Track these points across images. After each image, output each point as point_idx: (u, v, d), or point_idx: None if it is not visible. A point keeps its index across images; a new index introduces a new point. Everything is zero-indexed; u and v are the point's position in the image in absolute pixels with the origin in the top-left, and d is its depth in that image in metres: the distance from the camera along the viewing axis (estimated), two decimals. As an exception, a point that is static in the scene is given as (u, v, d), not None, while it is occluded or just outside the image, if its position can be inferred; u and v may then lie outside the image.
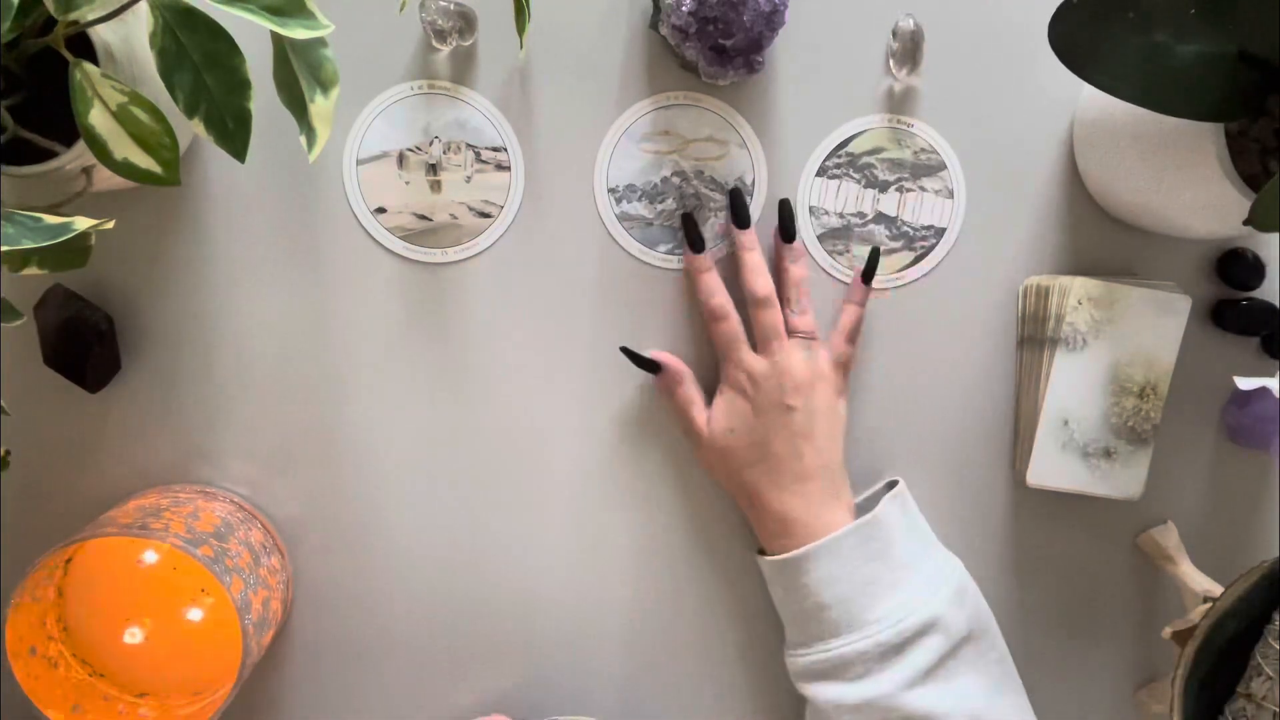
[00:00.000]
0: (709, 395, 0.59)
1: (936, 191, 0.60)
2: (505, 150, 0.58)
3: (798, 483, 0.56)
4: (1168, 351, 0.57)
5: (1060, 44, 0.47)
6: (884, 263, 0.60)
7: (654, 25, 0.56)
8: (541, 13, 0.57)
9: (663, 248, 0.59)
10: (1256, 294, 0.61)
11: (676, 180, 0.59)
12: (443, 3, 0.56)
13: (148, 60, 0.44)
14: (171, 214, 0.58)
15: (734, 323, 0.57)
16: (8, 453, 0.57)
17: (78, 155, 0.46)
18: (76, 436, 0.58)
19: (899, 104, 0.59)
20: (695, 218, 0.58)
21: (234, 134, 0.44)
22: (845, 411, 0.58)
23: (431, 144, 0.58)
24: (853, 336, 0.58)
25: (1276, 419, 0.58)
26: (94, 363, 0.56)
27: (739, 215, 0.58)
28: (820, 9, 0.58)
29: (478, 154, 0.58)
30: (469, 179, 0.58)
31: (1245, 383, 0.54)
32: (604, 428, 0.60)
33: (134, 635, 0.55)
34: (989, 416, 0.61)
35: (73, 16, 0.42)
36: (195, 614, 0.56)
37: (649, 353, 0.58)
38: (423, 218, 0.58)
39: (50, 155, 0.46)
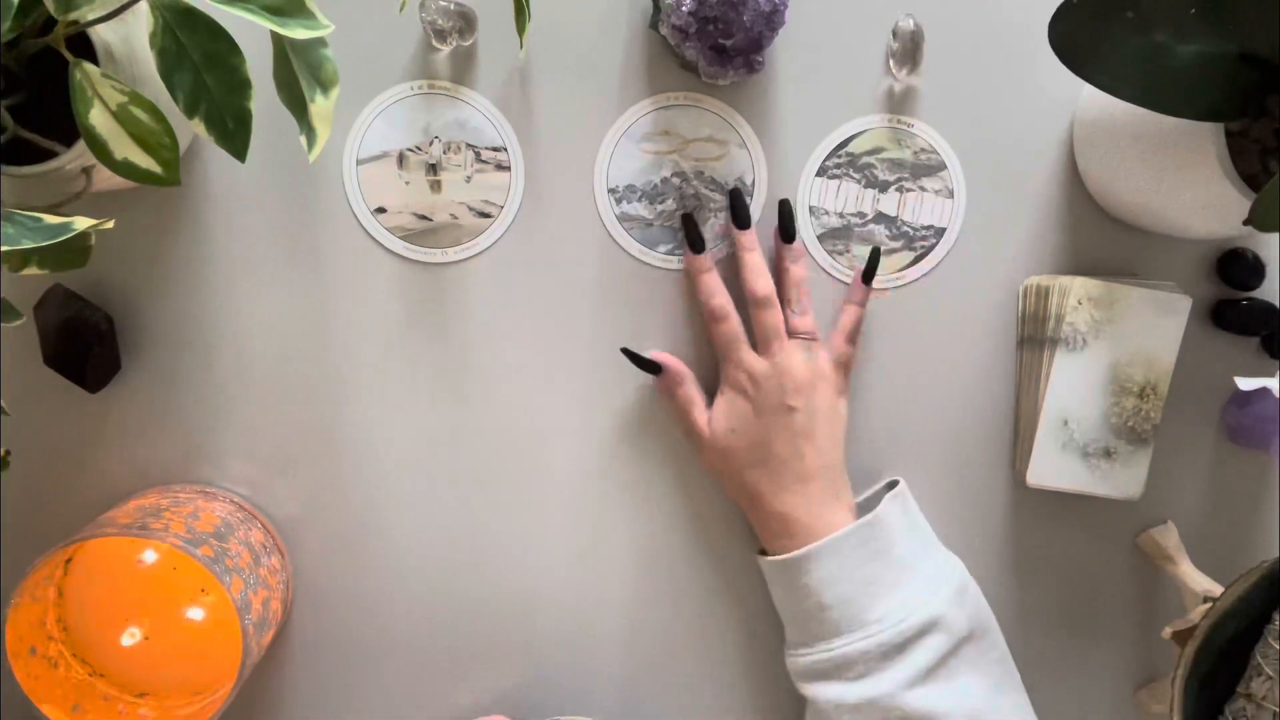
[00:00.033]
0: (710, 396, 0.59)
1: (936, 191, 0.60)
2: (505, 150, 0.58)
3: (799, 483, 0.56)
4: (1168, 351, 0.57)
5: (1060, 44, 0.47)
6: (884, 263, 0.60)
7: (654, 25, 0.56)
8: (541, 13, 0.57)
9: (663, 248, 0.59)
10: (1256, 294, 0.61)
11: (676, 180, 0.59)
12: (443, 3, 0.56)
13: (148, 60, 0.44)
14: (171, 214, 0.58)
15: (734, 323, 0.57)
16: (8, 453, 0.57)
17: (78, 155, 0.46)
18: (76, 436, 0.58)
19: (899, 104, 0.59)
20: (695, 218, 0.58)
21: (234, 134, 0.44)
22: (846, 411, 0.58)
23: (431, 144, 0.58)
24: (853, 336, 0.58)
25: (1276, 419, 0.58)
26: (94, 363, 0.56)
27: (739, 215, 0.58)
28: (820, 9, 0.58)
29: (478, 154, 0.58)
30: (469, 179, 0.58)
31: (1245, 383, 0.54)
32: (604, 428, 0.60)
33: (133, 635, 0.55)
34: (989, 416, 0.61)
35: (73, 16, 0.42)
36: (195, 614, 0.56)
37: (649, 354, 0.58)
38: (423, 218, 0.58)
39: (50, 155, 0.46)
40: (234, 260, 0.58)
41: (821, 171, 0.59)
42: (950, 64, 0.59)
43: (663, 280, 0.60)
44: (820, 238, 0.60)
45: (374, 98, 0.58)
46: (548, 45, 0.58)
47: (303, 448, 0.59)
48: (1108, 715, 0.63)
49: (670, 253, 0.59)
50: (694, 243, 0.58)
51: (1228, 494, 0.62)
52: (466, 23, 0.57)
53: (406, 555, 0.60)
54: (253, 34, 0.42)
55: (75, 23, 0.42)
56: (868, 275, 0.58)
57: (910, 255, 0.60)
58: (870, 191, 0.60)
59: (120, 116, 0.43)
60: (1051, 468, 0.57)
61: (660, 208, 0.59)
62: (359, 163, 0.58)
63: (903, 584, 0.54)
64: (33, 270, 0.45)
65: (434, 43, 0.57)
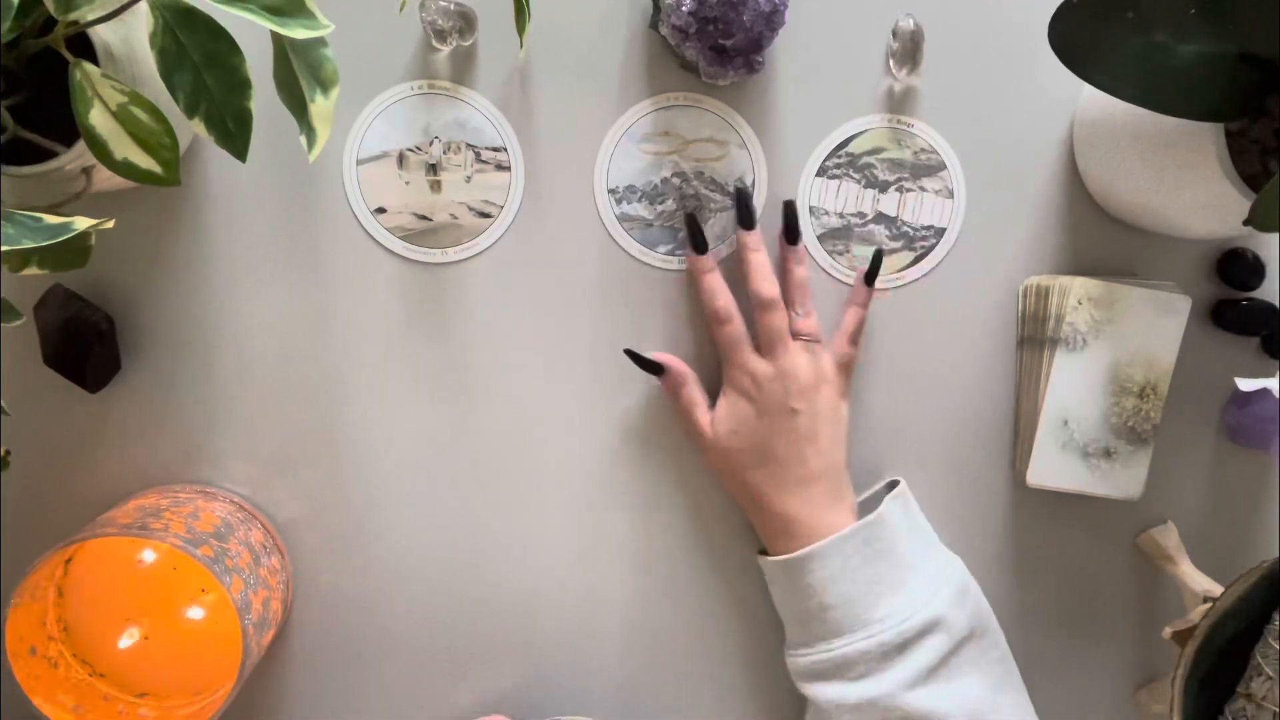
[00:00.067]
0: (711, 397, 0.59)
1: (936, 191, 0.60)
2: (505, 150, 0.58)
3: (801, 486, 0.56)
4: (1168, 351, 0.57)
5: (1060, 44, 0.47)
6: (884, 263, 0.60)
7: (654, 25, 0.56)
8: (541, 13, 0.57)
9: (662, 248, 0.59)
10: (1256, 294, 0.61)
11: (676, 181, 0.59)
12: (443, 3, 0.56)
13: (148, 60, 0.44)
14: (171, 214, 0.58)
15: (738, 325, 0.57)
16: (8, 453, 0.57)
17: (78, 155, 0.46)
18: (76, 436, 0.58)
19: (899, 104, 0.59)
20: (696, 218, 0.58)
21: (234, 134, 0.44)
22: (848, 413, 0.58)
23: (431, 144, 0.58)
24: (855, 338, 0.58)
25: (1276, 419, 0.58)
26: (94, 363, 0.56)
27: (745, 215, 0.57)
28: (820, 9, 0.58)
29: (478, 154, 0.58)
30: (469, 179, 0.58)
31: (1245, 383, 0.54)
32: (603, 428, 0.60)
33: (131, 636, 0.55)
34: (989, 416, 0.61)
35: (73, 16, 0.42)
36: (195, 613, 0.56)
37: (652, 355, 0.58)
38: (423, 218, 0.58)
39: (50, 155, 0.46)
40: (234, 260, 0.58)
41: (821, 172, 0.59)
42: (950, 64, 0.59)
43: (663, 280, 0.60)
44: (820, 238, 0.60)
45: (374, 98, 0.58)
46: (548, 45, 0.58)
47: (303, 448, 0.59)
48: (1108, 715, 0.63)
49: (670, 253, 0.59)
50: (697, 243, 0.57)
51: (1228, 494, 0.62)
52: (466, 23, 0.57)
53: (406, 555, 0.60)
54: (253, 34, 0.42)
55: (75, 23, 0.42)
56: (870, 277, 0.58)
57: (910, 255, 0.60)
58: (870, 191, 0.60)
59: (120, 116, 0.43)
60: (1051, 468, 0.57)
61: (660, 208, 0.59)
62: (359, 163, 0.58)
63: (905, 583, 0.54)
64: (33, 270, 0.45)
65: (434, 43, 0.57)
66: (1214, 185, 0.49)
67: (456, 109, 0.58)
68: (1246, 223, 0.46)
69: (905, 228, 0.60)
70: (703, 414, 0.58)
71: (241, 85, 0.44)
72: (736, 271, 0.58)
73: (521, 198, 0.59)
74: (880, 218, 0.60)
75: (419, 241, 0.59)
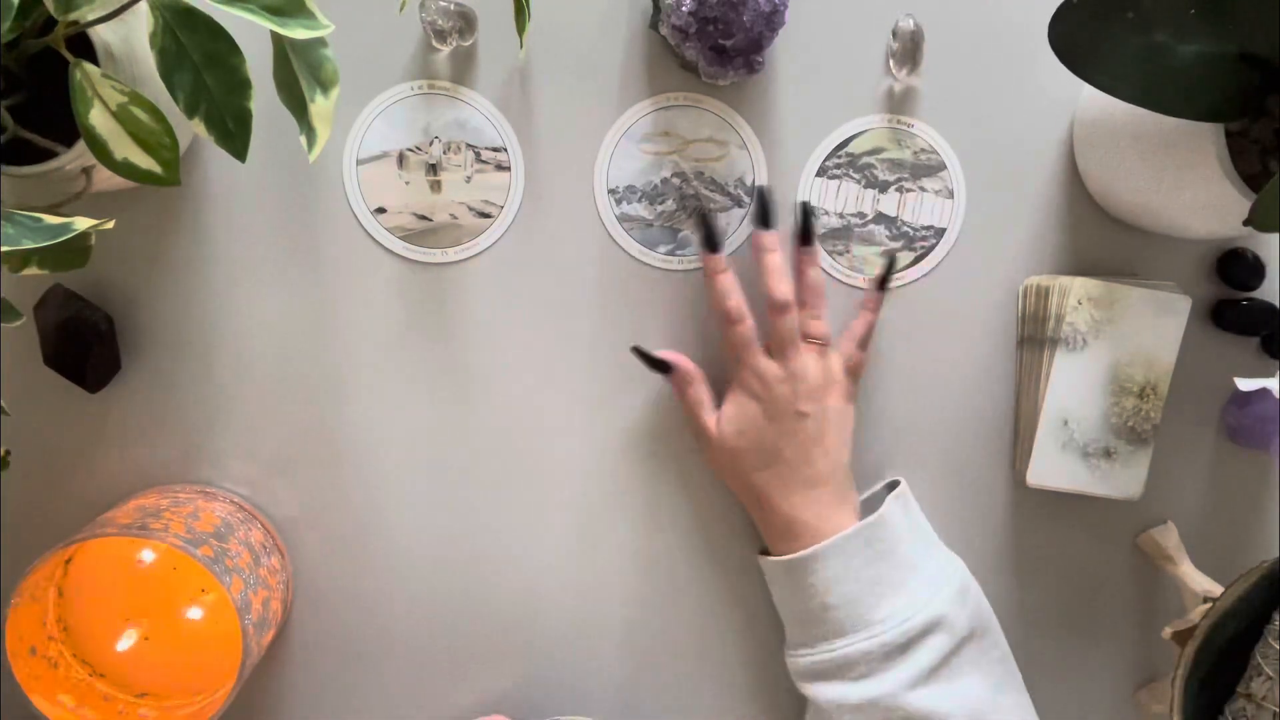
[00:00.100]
0: (718, 397, 0.59)
1: (936, 191, 0.60)
2: (505, 150, 0.58)
3: (808, 488, 0.56)
4: (1168, 351, 0.57)
5: (1060, 44, 0.47)
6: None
7: (654, 25, 0.56)
8: (541, 13, 0.57)
9: (663, 249, 0.59)
10: (1256, 294, 0.61)
11: (676, 181, 0.59)
12: (443, 3, 0.56)
13: (148, 60, 0.44)
14: (171, 214, 0.58)
15: (749, 326, 0.57)
16: (8, 453, 0.57)
17: (78, 155, 0.46)
18: (76, 436, 0.58)
19: (899, 104, 0.59)
20: (709, 218, 0.58)
21: (234, 134, 0.44)
22: (853, 416, 0.58)
23: (431, 144, 0.58)
24: (865, 342, 0.58)
25: (1276, 419, 0.58)
26: (94, 363, 0.56)
27: (765, 215, 0.57)
28: (820, 9, 0.58)
29: (478, 154, 0.58)
30: (469, 179, 0.58)
31: (1245, 383, 0.54)
32: (603, 428, 0.60)
33: (129, 638, 0.55)
34: (989, 416, 0.61)
35: (73, 16, 0.42)
36: (195, 614, 0.56)
37: (659, 353, 0.58)
38: (423, 218, 0.58)
39: (50, 155, 0.46)
40: (234, 260, 0.58)
41: (821, 172, 0.59)
42: (950, 64, 0.59)
43: (662, 281, 0.60)
44: (820, 238, 0.60)
45: (374, 98, 0.58)
46: (548, 45, 0.58)
47: (303, 448, 0.59)
48: (1108, 715, 0.63)
49: (670, 253, 0.59)
50: (711, 243, 0.57)
51: (1228, 494, 0.62)
52: (466, 23, 0.57)
53: (406, 555, 0.60)
54: (253, 34, 0.42)
55: (75, 23, 0.42)
56: (883, 282, 0.58)
57: (910, 255, 0.60)
58: (870, 192, 0.60)
59: (120, 116, 0.43)
60: (1051, 468, 0.57)
61: (660, 208, 0.59)
62: (359, 163, 0.58)
63: (907, 584, 0.54)
64: (33, 270, 0.45)
65: (434, 43, 0.57)
66: (1214, 185, 0.49)
67: (456, 109, 0.58)
68: (1246, 223, 0.46)
69: (905, 228, 0.60)
70: (709, 413, 0.58)
71: (241, 85, 0.44)
72: (751, 271, 0.58)
73: (521, 198, 0.59)
74: (880, 218, 0.60)
75: (419, 241, 0.59)
